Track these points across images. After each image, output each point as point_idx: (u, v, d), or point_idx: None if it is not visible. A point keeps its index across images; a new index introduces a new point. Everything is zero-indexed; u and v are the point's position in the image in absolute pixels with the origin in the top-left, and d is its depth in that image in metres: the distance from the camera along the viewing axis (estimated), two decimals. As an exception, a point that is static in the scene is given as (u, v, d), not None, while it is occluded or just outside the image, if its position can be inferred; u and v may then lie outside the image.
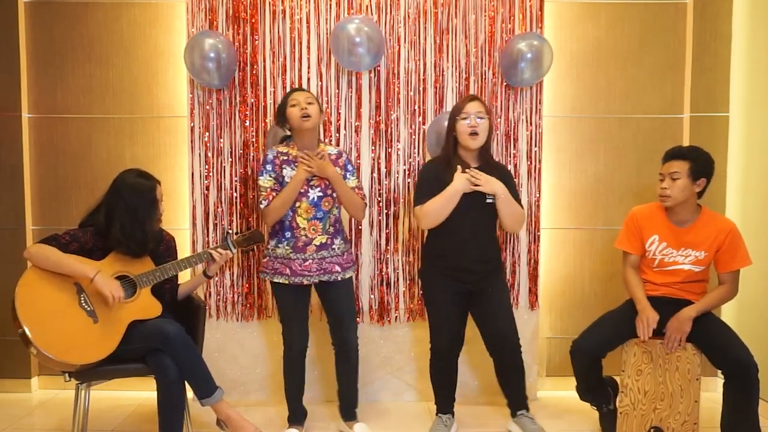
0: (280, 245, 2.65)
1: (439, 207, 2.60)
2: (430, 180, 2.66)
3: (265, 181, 2.63)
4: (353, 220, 3.10)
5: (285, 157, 2.66)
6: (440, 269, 2.69)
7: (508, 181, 2.68)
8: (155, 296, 2.51)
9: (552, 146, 3.27)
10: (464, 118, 2.61)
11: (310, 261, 2.63)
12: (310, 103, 2.62)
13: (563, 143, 3.29)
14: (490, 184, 2.58)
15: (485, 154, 2.69)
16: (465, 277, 2.65)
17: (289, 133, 2.73)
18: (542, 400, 3.23)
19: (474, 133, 2.60)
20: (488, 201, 2.61)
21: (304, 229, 2.62)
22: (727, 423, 2.45)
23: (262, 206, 2.62)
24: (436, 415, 2.83)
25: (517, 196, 2.70)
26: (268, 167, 2.64)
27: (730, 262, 2.55)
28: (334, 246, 2.67)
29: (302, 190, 2.61)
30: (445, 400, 2.82)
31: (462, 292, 2.67)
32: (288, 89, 3.11)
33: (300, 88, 2.79)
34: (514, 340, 2.69)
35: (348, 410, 2.82)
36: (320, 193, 2.63)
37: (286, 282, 2.63)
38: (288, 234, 2.63)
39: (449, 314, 2.69)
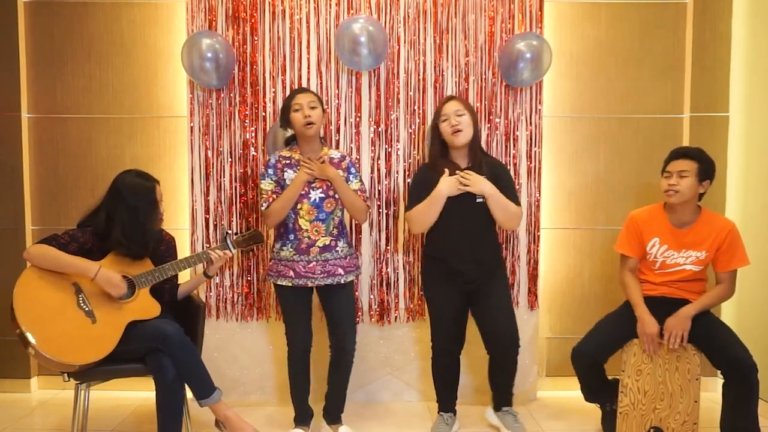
0: (284, 248, 2.65)
1: (424, 212, 2.60)
2: (419, 184, 2.66)
3: (267, 184, 2.64)
4: (353, 221, 3.10)
5: (287, 161, 2.66)
6: (437, 270, 2.69)
7: (502, 178, 2.64)
8: (154, 296, 2.51)
9: (552, 146, 3.27)
10: (444, 120, 2.62)
11: (314, 263, 2.62)
12: (313, 108, 2.59)
13: (563, 143, 3.28)
14: (478, 185, 2.56)
15: (475, 151, 2.66)
16: (461, 278, 2.63)
17: (291, 133, 2.72)
18: (542, 400, 3.23)
19: (457, 131, 2.59)
20: (478, 201, 2.58)
21: (306, 231, 2.61)
22: (726, 423, 2.46)
23: (262, 209, 2.63)
24: (438, 413, 2.82)
25: (512, 192, 2.65)
26: (270, 171, 2.65)
27: (729, 262, 2.56)
28: (337, 248, 2.66)
29: (303, 192, 2.60)
30: (446, 398, 2.81)
31: (460, 291, 2.66)
32: (288, 89, 3.12)
33: (303, 89, 2.71)
34: (512, 344, 2.68)
35: (334, 413, 2.79)
36: (322, 195, 2.62)
37: (290, 284, 2.63)
38: (291, 236, 2.63)
39: (447, 313, 2.69)
